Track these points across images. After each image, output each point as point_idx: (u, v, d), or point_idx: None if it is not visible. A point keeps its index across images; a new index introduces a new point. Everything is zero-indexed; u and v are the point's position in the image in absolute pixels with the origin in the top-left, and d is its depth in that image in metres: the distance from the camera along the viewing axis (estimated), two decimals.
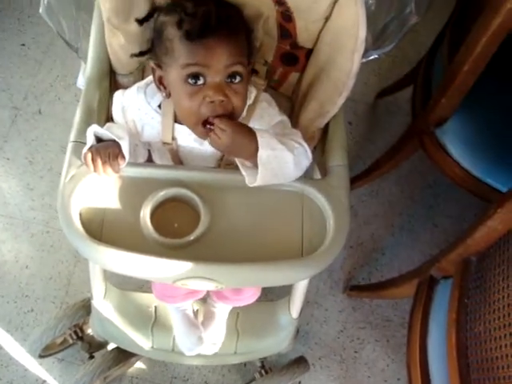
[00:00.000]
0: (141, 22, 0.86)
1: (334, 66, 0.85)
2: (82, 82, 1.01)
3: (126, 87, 0.93)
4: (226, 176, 0.84)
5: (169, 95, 0.84)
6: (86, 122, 0.84)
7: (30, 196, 1.58)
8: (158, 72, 0.84)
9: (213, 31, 0.76)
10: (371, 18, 0.84)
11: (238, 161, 0.82)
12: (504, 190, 1.15)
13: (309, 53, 0.93)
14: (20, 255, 1.50)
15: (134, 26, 0.87)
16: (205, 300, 1.19)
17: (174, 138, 0.88)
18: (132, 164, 0.82)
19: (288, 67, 0.98)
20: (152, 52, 0.85)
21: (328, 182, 0.85)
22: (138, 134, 0.89)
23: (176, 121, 0.87)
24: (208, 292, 1.14)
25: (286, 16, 0.88)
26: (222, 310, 1.16)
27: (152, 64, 0.84)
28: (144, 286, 1.34)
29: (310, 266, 0.79)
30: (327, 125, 0.92)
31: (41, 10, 0.93)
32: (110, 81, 0.95)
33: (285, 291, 1.17)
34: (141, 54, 0.88)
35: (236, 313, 1.19)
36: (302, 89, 0.95)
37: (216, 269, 0.76)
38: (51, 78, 1.76)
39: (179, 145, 0.89)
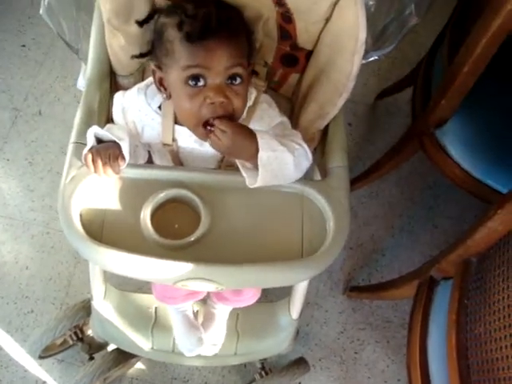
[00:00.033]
0: (141, 23, 0.86)
1: (334, 67, 0.85)
2: (82, 83, 1.01)
3: (126, 88, 0.93)
4: (227, 177, 0.84)
5: (169, 97, 0.84)
6: (87, 123, 0.85)
7: (30, 197, 1.58)
8: (159, 73, 0.84)
9: (213, 33, 0.76)
10: (371, 19, 0.84)
11: (238, 162, 0.82)
12: (504, 191, 1.15)
13: (309, 54, 0.93)
14: (20, 256, 1.50)
15: (134, 28, 0.87)
16: (205, 301, 1.19)
17: (174, 140, 0.88)
18: (132, 165, 0.82)
19: (288, 68, 0.98)
20: (152, 53, 0.85)
21: (328, 183, 0.85)
22: (138, 135, 0.90)
23: (176, 122, 0.87)
24: (208, 293, 1.14)
25: (286, 17, 0.88)
26: (222, 311, 1.16)
27: (152, 65, 0.85)
28: (144, 286, 1.34)
29: (310, 267, 0.79)
30: (327, 126, 0.92)
31: (41, 11, 0.93)
32: (111, 82, 0.95)
33: (285, 292, 1.17)
34: (141, 55, 0.88)
35: (236, 314, 1.19)
36: (302, 90, 0.95)
37: (216, 270, 0.76)
38: (51, 79, 1.76)
39: (179, 146, 0.89)
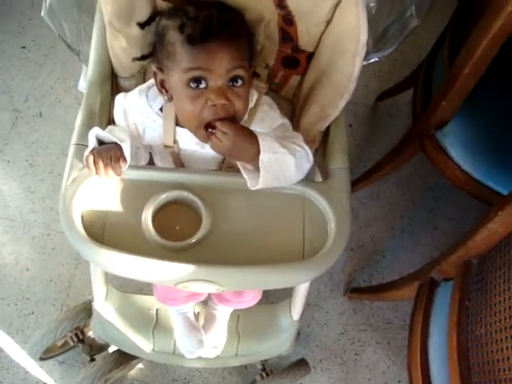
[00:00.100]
0: (142, 25, 0.86)
1: (335, 69, 0.85)
2: (83, 85, 1.01)
3: (127, 90, 0.93)
4: (228, 179, 0.84)
5: (171, 99, 0.84)
6: (88, 125, 0.85)
7: (31, 199, 1.58)
8: (160, 75, 0.84)
9: (215, 35, 0.76)
10: (372, 21, 0.84)
11: (239, 164, 0.82)
12: (505, 192, 1.15)
13: (310, 56, 0.94)
14: (21, 258, 1.50)
15: (135, 30, 0.87)
16: (206, 303, 1.19)
17: (175, 141, 0.88)
18: (133, 167, 0.82)
19: (289, 70, 0.98)
20: (154, 56, 0.85)
21: (329, 184, 0.85)
22: (139, 136, 0.90)
23: (177, 124, 0.87)
24: (209, 295, 1.14)
25: (288, 20, 0.88)
26: (223, 313, 1.16)
27: (154, 68, 0.85)
28: (145, 288, 1.34)
29: (311, 268, 0.79)
30: (328, 128, 0.92)
31: (43, 13, 0.94)
32: (112, 84, 0.95)
33: (285, 294, 1.17)
34: (143, 57, 0.89)
35: (237, 315, 1.19)
36: (303, 92, 0.95)
37: (217, 271, 0.76)
38: (52, 81, 1.76)
39: (181, 148, 0.89)
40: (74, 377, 1.26)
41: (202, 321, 1.19)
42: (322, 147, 0.94)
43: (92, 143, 0.80)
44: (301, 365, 1.34)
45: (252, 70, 0.86)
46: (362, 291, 1.49)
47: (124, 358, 1.24)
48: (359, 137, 1.74)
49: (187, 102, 0.79)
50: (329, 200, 0.82)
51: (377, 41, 0.97)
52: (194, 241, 0.78)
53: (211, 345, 1.16)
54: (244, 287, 0.97)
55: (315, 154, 0.92)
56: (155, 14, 0.86)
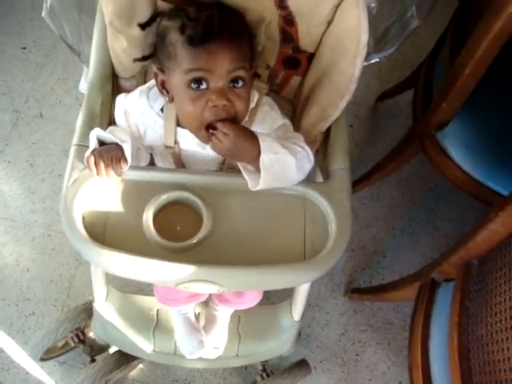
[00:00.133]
0: (143, 26, 0.86)
1: (336, 69, 0.85)
2: (84, 85, 1.01)
3: (128, 91, 0.93)
4: (229, 179, 0.84)
5: (172, 99, 0.84)
6: (89, 126, 0.85)
7: (31, 199, 1.58)
8: (161, 76, 0.84)
9: (215, 36, 0.76)
10: (373, 22, 0.84)
11: (240, 165, 0.82)
12: (505, 193, 1.15)
13: (311, 57, 0.94)
14: (21, 258, 1.50)
15: (136, 30, 0.87)
16: (207, 303, 1.19)
17: (176, 142, 0.88)
18: (134, 167, 0.82)
19: (290, 71, 0.98)
20: (154, 56, 0.86)
21: (330, 185, 0.85)
22: (140, 137, 0.90)
23: (178, 125, 0.87)
24: (210, 295, 1.14)
25: (289, 20, 0.88)
26: (223, 314, 1.16)
27: (155, 68, 0.85)
28: (146, 288, 1.34)
29: (312, 269, 0.79)
30: (329, 128, 0.92)
31: (43, 14, 0.94)
32: (113, 84, 0.95)
33: (286, 294, 1.17)
34: (143, 58, 0.89)
35: (238, 316, 1.19)
36: (304, 92, 0.95)
37: (218, 272, 0.76)
38: (52, 82, 1.76)
39: (181, 148, 0.89)
40: (75, 377, 1.26)
41: (202, 322, 1.19)
42: (322, 148, 0.94)
43: (93, 144, 0.80)
44: (301, 365, 1.34)
45: (253, 70, 0.86)
46: (362, 292, 1.49)
47: (125, 359, 1.24)
48: (359, 137, 1.74)
49: (188, 103, 0.79)
50: (330, 201, 0.82)
51: (377, 41, 0.97)
52: (194, 241, 0.78)
53: (212, 346, 1.16)
54: (245, 288, 0.97)
55: (316, 154, 0.92)
56: (156, 15, 0.86)
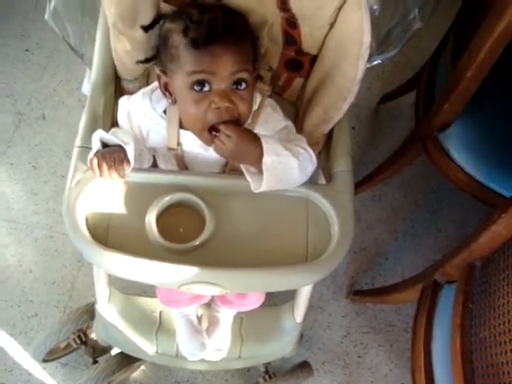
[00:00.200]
0: (146, 28, 0.86)
1: (338, 72, 0.85)
2: (86, 87, 1.01)
3: (131, 93, 0.93)
4: (231, 181, 0.84)
5: (174, 101, 0.84)
6: (92, 128, 0.85)
7: (34, 201, 1.58)
8: (164, 78, 0.84)
9: (218, 38, 0.76)
10: (375, 24, 0.84)
11: (242, 167, 0.82)
12: (508, 194, 1.15)
13: (313, 59, 0.94)
14: (24, 260, 1.51)
15: (139, 33, 0.87)
16: (209, 305, 1.19)
17: (179, 144, 0.88)
18: (137, 169, 0.82)
19: (292, 73, 0.98)
20: (157, 59, 0.86)
21: (333, 187, 0.85)
22: (143, 139, 0.90)
23: (181, 126, 0.87)
24: (212, 297, 1.14)
25: (291, 22, 0.88)
26: (226, 315, 1.16)
27: (157, 70, 0.85)
28: (148, 290, 1.34)
29: (314, 271, 0.79)
30: (332, 130, 0.93)
31: (46, 16, 0.93)
32: (115, 86, 0.95)
33: (288, 296, 1.17)
34: (146, 60, 0.89)
35: (240, 318, 1.19)
36: (307, 94, 0.95)
37: (221, 274, 0.76)
38: (55, 83, 1.76)
39: (184, 150, 0.89)
40: (77, 379, 1.26)
41: (205, 323, 1.19)
42: (325, 150, 0.94)
43: (96, 146, 0.80)
44: (304, 367, 1.34)
45: (256, 72, 0.86)
46: (364, 294, 1.49)
47: (127, 360, 1.24)
48: (361, 139, 1.74)
49: (191, 105, 0.80)
50: (332, 203, 0.82)
51: (380, 43, 0.97)
52: (197, 243, 0.78)
53: (215, 347, 1.16)
54: (247, 289, 0.97)
55: (318, 156, 0.92)
56: (159, 17, 0.86)
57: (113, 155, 0.78)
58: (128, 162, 0.79)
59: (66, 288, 1.47)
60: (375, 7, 0.89)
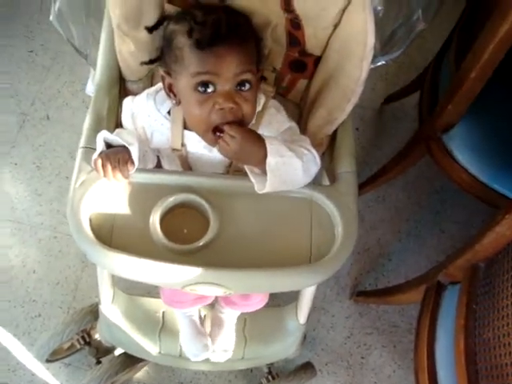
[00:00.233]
0: (150, 30, 0.87)
1: (342, 73, 0.85)
2: (91, 88, 1.02)
3: (135, 94, 0.94)
4: (235, 182, 0.84)
5: (179, 102, 0.84)
6: (96, 129, 0.85)
7: (38, 201, 1.59)
8: (168, 80, 0.84)
9: (223, 40, 0.76)
10: (379, 25, 0.84)
11: (246, 168, 0.82)
12: (511, 195, 1.15)
13: (317, 60, 0.94)
14: (27, 260, 1.51)
15: (143, 34, 0.87)
16: (212, 306, 1.19)
17: (183, 145, 0.88)
18: (141, 170, 0.83)
19: (296, 74, 0.98)
20: (162, 60, 0.86)
21: (337, 188, 0.85)
22: (147, 140, 0.90)
23: (185, 127, 0.87)
24: (216, 298, 1.14)
25: (295, 23, 0.89)
26: (230, 316, 1.16)
27: (162, 72, 0.85)
28: (152, 291, 1.34)
29: (318, 272, 0.79)
30: (335, 131, 0.93)
31: (51, 18, 0.94)
32: (120, 87, 0.95)
33: (292, 296, 1.17)
34: (150, 61, 0.89)
35: (243, 318, 1.19)
36: (311, 96, 0.95)
37: (225, 275, 0.76)
38: (59, 84, 1.77)
39: (188, 151, 0.89)
40: (80, 379, 1.26)
41: (208, 324, 1.20)
42: (329, 151, 0.94)
43: (100, 146, 0.81)
44: (307, 368, 1.34)
45: (259, 73, 0.86)
46: (367, 295, 1.49)
47: (130, 361, 1.25)
48: (365, 140, 1.74)
49: (195, 106, 0.80)
50: (336, 203, 0.82)
51: (384, 44, 0.97)
52: (201, 244, 0.78)
53: (221, 349, 1.15)
54: (251, 290, 0.97)
55: (322, 157, 0.92)
56: (163, 19, 0.87)
57: (117, 156, 0.79)
58: (132, 162, 0.79)
59: (70, 289, 1.48)
60: (379, 8, 0.89)
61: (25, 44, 1.83)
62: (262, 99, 0.89)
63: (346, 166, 0.87)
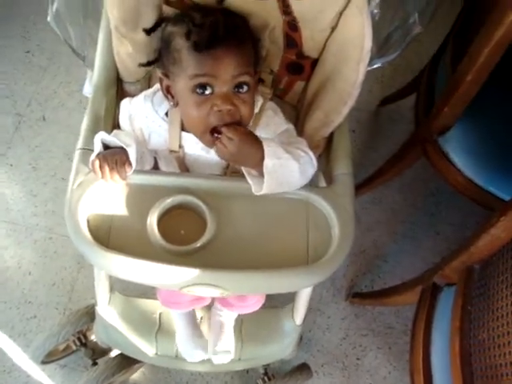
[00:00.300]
0: (148, 31, 0.87)
1: (339, 76, 0.86)
2: (88, 89, 1.02)
3: (132, 95, 0.94)
4: (233, 184, 0.84)
5: (176, 104, 0.85)
6: (93, 130, 0.85)
7: (33, 202, 1.58)
8: (166, 81, 0.84)
9: (221, 42, 0.77)
10: (375, 28, 0.85)
11: (243, 169, 0.82)
12: (506, 198, 1.16)
13: (314, 62, 0.94)
14: (23, 261, 1.51)
15: (141, 35, 0.88)
16: (209, 307, 1.19)
17: (180, 146, 0.88)
18: (139, 171, 0.83)
19: (293, 76, 0.99)
20: (159, 62, 0.86)
21: (333, 189, 0.86)
22: (144, 141, 0.90)
23: (183, 129, 0.87)
24: (213, 299, 1.15)
25: (292, 26, 0.89)
26: (228, 318, 1.16)
27: (159, 73, 0.85)
28: (148, 292, 1.34)
29: (315, 273, 0.79)
30: (332, 133, 0.93)
31: (49, 19, 0.94)
32: (117, 88, 0.95)
33: (288, 298, 1.18)
34: (148, 63, 0.89)
35: (240, 319, 1.19)
36: (307, 98, 0.96)
37: (222, 276, 0.76)
38: (55, 85, 1.77)
39: (186, 153, 0.89)
40: (76, 381, 1.26)
41: (205, 326, 1.19)
42: (325, 153, 0.95)
43: (98, 148, 0.81)
44: (303, 369, 1.34)
45: (257, 75, 0.87)
46: (363, 296, 1.50)
47: (126, 362, 1.24)
48: (361, 142, 1.74)
49: (193, 108, 0.80)
50: (333, 205, 0.83)
51: (380, 47, 0.98)
52: (198, 245, 0.78)
53: (223, 350, 1.15)
54: (248, 291, 0.97)
55: (319, 159, 0.93)
56: (161, 20, 0.87)
57: (114, 157, 0.79)
58: (130, 164, 0.79)
59: (66, 290, 1.47)
60: (376, 11, 0.90)
61: (21, 44, 1.83)
62: (259, 101, 0.89)
63: (343, 168, 0.88)
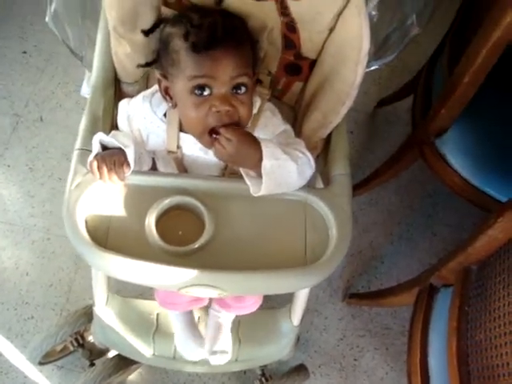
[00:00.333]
0: (147, 32, 0.87)
1: (337, 77, 0.86)
2: (86, 90, 1.02)
3: (130, 95, 0.94)
4: (231, 185, 0.84)
5: (175, 105, 0.85)
6: (91, 130, 0.85)
7: (31, 203, 1.58)
8: (164, 82, 0.85)
9: (219, 43, 0.77)
10: (373, 29, 0.85)
11: (242, 170, 0.82)
12: (503, 199, 1.16)
13: (312, 63, 0.94)
14: (20, 262, 1.50)
15: (140, 36, 0.88)
16: (207, 309, 1.19)
17: (179, 147, 0.88)
18: (137, 172, 0.83)
19: (291, 77, 0.99)
20: (158, 63, 0.86)
21: (331, 190, 0.86)
22: (143, 142, 0.90)
23: (181, 130, 0.87)
24: (210, 300, 1.15)
25: (291, 27, 0.89)
26: (226, 319, 1.16)
27: (158, 74, 0.85)
28: (145, 293, 1.34)
29: (313, 274, 0.79)
30: (330, 134, 0.93)
31: (47, 19, 0.94)
32: (115, 89, 0.95)
33: (286, 299, 1.18)
34: (147, 64, 0.89)
35: (237, 320, 1.19)
36: (306, 99, 0.96)
37: (220, 276, 0.77)
38: (53, 86, 1.76)
39: (184, 153, 0.89)
40: (74, 381, 1.26)
41: (203, 327, 1.19)
42: (323, 154, 0.95)
43: (96, 148, 0.81)
44: (300, 370, 1.34)
45: (255, 77, 0.87)
46: (360, 297, 1.50)
47: (124, 363, 1.24)
48: (358, 143, 1.75)
49: (191, 109, 0.80)
50: (330, 206, 0.83)
51: (378, 48, 0.98)
52: (196, 246, 0.78)
53: (220, 350, 1.15)
54: (246, 292, 0.98)
55: (317, 160, 0.93)
56: (159, 21, 0.87)
57: (113, 158, 0.79)
58: (128, 164, 0.79)
59: (63, 290, 1.47)
60: (374, 13, 0.90)
61: (18, 45, 1.82)
62: (257, 102, 0.90)
63: (340, 169, 0.88)
